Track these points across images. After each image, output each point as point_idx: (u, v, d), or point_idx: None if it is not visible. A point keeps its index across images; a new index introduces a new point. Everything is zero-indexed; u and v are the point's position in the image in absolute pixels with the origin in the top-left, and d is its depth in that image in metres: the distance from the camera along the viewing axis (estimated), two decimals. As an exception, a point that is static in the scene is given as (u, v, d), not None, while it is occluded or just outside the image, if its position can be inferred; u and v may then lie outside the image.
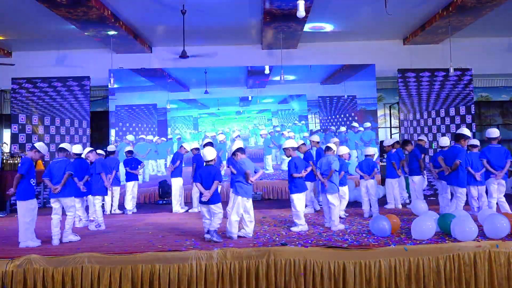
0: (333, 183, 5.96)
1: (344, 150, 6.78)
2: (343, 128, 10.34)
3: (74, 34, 9.57)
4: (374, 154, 7.31)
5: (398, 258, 4.34)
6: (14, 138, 9.74)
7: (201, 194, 5.17)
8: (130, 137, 10.09)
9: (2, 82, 10.88)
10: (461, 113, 10.07)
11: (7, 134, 11.12)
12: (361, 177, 7.08)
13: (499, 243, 4.55)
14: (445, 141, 6.97)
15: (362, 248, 4.45)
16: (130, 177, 8.19)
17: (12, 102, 9.94)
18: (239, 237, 5.24)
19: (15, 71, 10.24)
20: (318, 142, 7.75)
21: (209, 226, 5.10)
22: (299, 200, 5.79)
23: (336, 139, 7.79)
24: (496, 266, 4.41)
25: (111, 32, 9.23)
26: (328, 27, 9.91)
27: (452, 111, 10.15)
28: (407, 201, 8.17)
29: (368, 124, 10.32)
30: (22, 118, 9.81)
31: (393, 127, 11.49)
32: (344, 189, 6.85)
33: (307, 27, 9.57)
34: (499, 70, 11.14)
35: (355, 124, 10.33)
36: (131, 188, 8.15)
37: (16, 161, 8.50)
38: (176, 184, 7.98)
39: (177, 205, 7.94)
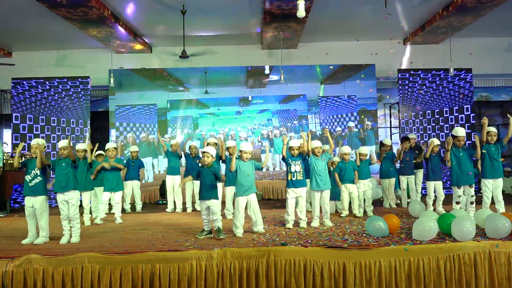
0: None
1: (346, 150, 6.90)
2: (338, 129, 10.34)
3: (74, 34, 9.57)
4: (367, 154, 7.28)
5: (398, 258, 4.34)
6: (14, 138, 9.75)
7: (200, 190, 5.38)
8: (130, 136, 10.12)
9: (2, 82, 10.88)
10: (460, 113, 10.08)
11: (7, 134, 11.12)
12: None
13: (499, 243, 4.55)
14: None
15: (362, 248, 4.45)
16: (131, 176, 8.21)
17: (12, 102, 9.94)
18: (240, 237, 5.27)
19: (15, 71, 10.25)
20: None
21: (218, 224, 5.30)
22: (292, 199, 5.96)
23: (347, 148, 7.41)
24: (497, 266, 4.41)
25: (111, 32, 9.23)
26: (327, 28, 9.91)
27: (452, 111, 10.15)
28: (398, 201, 8.11)
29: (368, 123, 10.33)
30: (22, 118, 9.82)
31: (393, 127, 11.49)
32: (351, 187, 6.87)
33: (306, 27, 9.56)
34: (499, 70, 11.15)
35: (351, 123, 10.33)
36: (131, 187, 8.18)
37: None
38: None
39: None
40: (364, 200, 7.10)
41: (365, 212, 7.03)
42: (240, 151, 5.57)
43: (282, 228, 5.89)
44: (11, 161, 8.49)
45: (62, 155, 5.45)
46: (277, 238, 5.12)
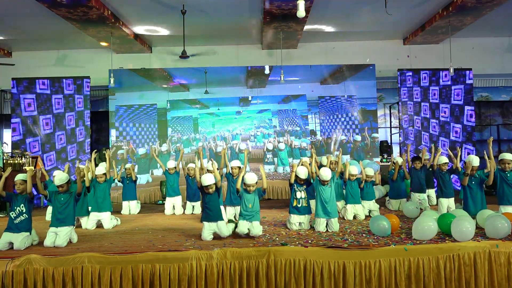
0: None
1: (353, 171, 6.80)
2: (343, 137, 10.27)
3: (74, 34, 9.57)
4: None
5: (398, 258, 4.34)
6: (13, 138, 9.75)
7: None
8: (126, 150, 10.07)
9: (2, 82, 10.89)
10: (459, 113, 10.07)
11: (7, 134, 11.12)
12: None
13: (499, 243, 4.55)
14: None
15: (362, 248, 4.45)
16: (127, 197, 7.90)
17: (12, 102, 9.94)
18: (240, 237, 5.27)
19: (15, 71, 10.25)
20: None
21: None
22: None
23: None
24: (496, 266, 4.42)
25: (111, 32, 9.23)
26: (327, 28, 9.92)
27: (452, 111, 10.15)
28: None
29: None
30: (22, 118, 9.81)
31: (393, 127, 11.49)
32: (357, 208, 6.80)
33: (306, 28, 9.57)
34: (499, 70, 11.15)
35: (357, 137, 10.22)
36: (128, 208, 7.85)
37: (16, 161, 8.50)
38: None
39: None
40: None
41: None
42: (244, 184, 5.39)
43: (282, 228, 5.90)
44: (11, 161, 8.48)
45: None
46: (277, 238, 5.12)
